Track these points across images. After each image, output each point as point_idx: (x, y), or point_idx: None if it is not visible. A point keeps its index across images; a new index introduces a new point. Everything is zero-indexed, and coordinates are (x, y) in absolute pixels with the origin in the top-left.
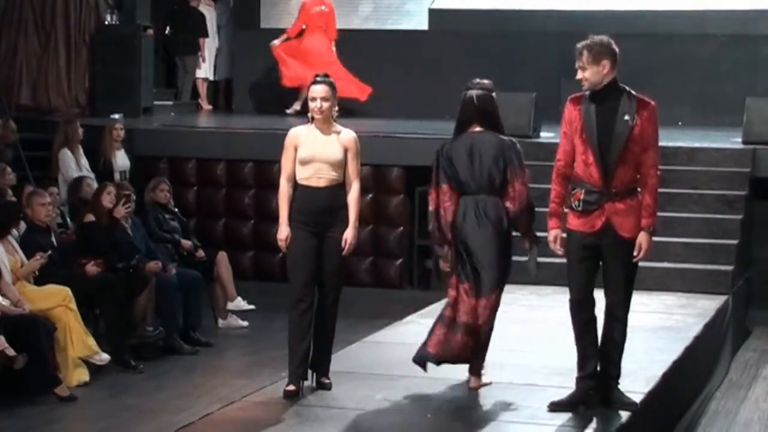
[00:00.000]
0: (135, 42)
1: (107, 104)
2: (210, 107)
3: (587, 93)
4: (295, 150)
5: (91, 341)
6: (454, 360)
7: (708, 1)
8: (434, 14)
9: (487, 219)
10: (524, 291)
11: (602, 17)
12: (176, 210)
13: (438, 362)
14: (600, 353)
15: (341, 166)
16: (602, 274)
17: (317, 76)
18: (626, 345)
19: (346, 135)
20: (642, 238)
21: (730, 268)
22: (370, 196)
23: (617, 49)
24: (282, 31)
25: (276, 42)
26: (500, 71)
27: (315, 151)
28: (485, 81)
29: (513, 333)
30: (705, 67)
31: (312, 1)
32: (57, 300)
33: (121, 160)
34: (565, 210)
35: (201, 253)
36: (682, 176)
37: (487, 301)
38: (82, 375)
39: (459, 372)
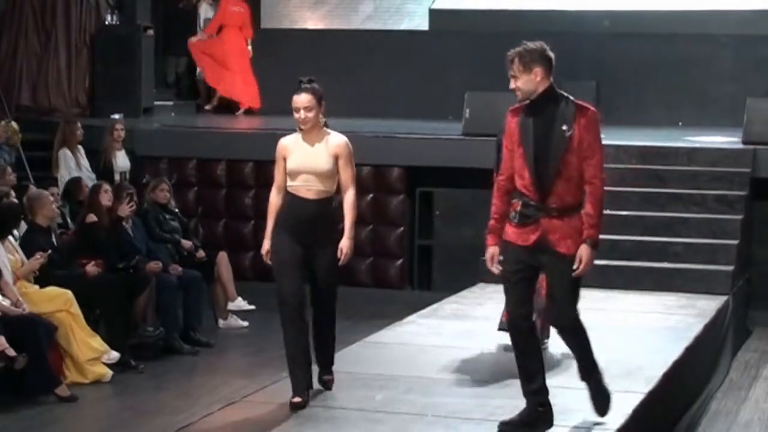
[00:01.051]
0: (135, 42)
1: (107, 104)
2: (210, 107)
3: (525, 104)
4: (285, 161)
5: (97, 342)
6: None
7: (708, 1)
8: (435, 14)
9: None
10: None
11: (602, 17)
12: (177, 210)
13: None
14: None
15: (331, 175)
16: (546, 291)
17: (300, 81)
18: (627, 345)
19: (336, 141)
20: (582, 251)
21: (730, 268)
22: (371, 196)
23: (552, 56)
24: (282, 31)
25: (193, 39)
26: (500, 71)
27: (302, 162)
28: None
29: None
30: (705, 67)
31: (230, 1)
32: (59, 304)
33: (121, 160)
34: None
35: (201, 253)
36: (683, 176)
37: None
38: (99, 371)
39: (459, 373)
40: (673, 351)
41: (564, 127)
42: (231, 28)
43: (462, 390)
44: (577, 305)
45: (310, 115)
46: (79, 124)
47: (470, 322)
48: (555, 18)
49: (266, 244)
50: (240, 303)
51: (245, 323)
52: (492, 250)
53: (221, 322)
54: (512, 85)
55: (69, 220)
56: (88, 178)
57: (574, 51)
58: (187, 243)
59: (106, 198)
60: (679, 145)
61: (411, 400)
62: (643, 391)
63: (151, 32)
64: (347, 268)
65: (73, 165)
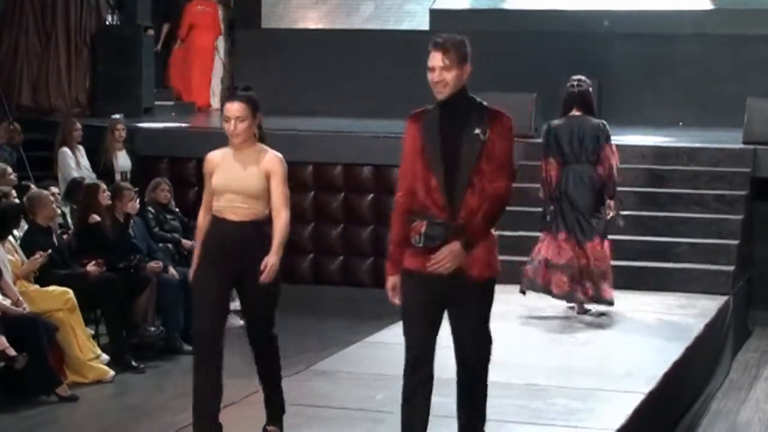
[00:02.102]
0: (135, 42)
1: (108, 104)
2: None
3: (430, 107)
4: (211, 178)
5: (92, 344)
6: (547, 291)
7: (708, 1)
8: (435, 14)
9: (583, 182)
10: None
11: (603, 17)
12: (177, 210)
13: (543, 291)
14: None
15: (261, 196)
16: (450, 326)
17: (236, 88)
18: (627, 345)
19: (269, 158)
20: (450, 246)
21: (730, 268)
22: (371, 196)
23: None
24: (282, 31)
25: (158, 47)
26: (501, 71)
27: (228, 179)
28: (582, 77)
29: (513, 332)
30: (705, 67)
31: (193, 3)
32: (59, 303)
33: (122, 160)
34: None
35: None
36: (683, 176)
37: (591, 244)
38: (99, 371)
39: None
40: (674, 351)
41: (477, 131)
42: (198, 28)
43: None
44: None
45: (242, 126)
46: (78, 124)
47: None
48: (555, 18)
49: (193, 267)
50: (240, 303)
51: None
52: (393, 280)
53: None
54: (436, 77)
55: (69, 220)
56: (88, 177)
57: (574, 51)
58: (187, 243)
59: (105, 198)
60: (679, 145)
61: None
62: (644, 391)
63: (151, 32)
64: (348, 268)
65: (72, 164)
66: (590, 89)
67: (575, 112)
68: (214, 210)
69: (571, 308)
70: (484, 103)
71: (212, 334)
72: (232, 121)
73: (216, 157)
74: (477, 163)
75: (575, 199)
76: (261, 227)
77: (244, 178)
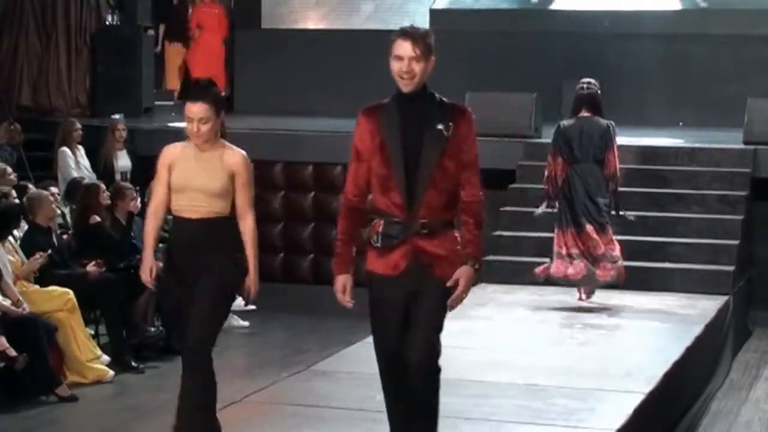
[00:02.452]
0: (136, 42)
1: (108, 104)
2: None
3: (387, 101)
4: (169, 171)
5: (92, 344)
6: (568, 282)
7: (708, 1)
8: (435, 14)
9: (588, 180)
10: (525, 291)
11: (603, 17)
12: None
13: (563, 283)
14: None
15: (224, 195)
16: (408, 327)
17: (197, 82)
18: (627, 345)
19: (233, 157)
20: (462, 272)
21: (731, 268)
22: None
23: None
24: (283, 31)
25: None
26: (501, 71)
27: (189, 176)
28: (591, 80)
29: (513, 333)
30: (706, 67)
31: (200, 5)
32: (59, 304)
33: (122, 160)
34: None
35: None
36: (683, 176)
37: (596, 232)
38: (99, 371)
39: (459, 373)
40: (674, 351)
41: (440, 127)
42: (206, 30)
43: (462, 389)
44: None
45: (205, 128)
46: (78, 124)
47: (470, 322)
48: (555, 18)
49: (146, 266)
50: (240, 303)
51: (245, 323)
52: (342, 279)
53: None
54: (404, 67)
55: (69, 220)
56: (88, 178)
57: (574, 51)
58: None
59: (105, 198)
60: (679, 145)
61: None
62: (644, 391)
63: (151, 32)
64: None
65: (72, 164)
66: (599, 91)
67: (584, 113)
68: (173, 209)
69: (581, 299)
70: (445, 99)
71: (201, 342)
72: (195, 123)
73: (175, 150)
74: (440, 160)
75: (581, 194)
76: (222, 224)
77: (206, 176)
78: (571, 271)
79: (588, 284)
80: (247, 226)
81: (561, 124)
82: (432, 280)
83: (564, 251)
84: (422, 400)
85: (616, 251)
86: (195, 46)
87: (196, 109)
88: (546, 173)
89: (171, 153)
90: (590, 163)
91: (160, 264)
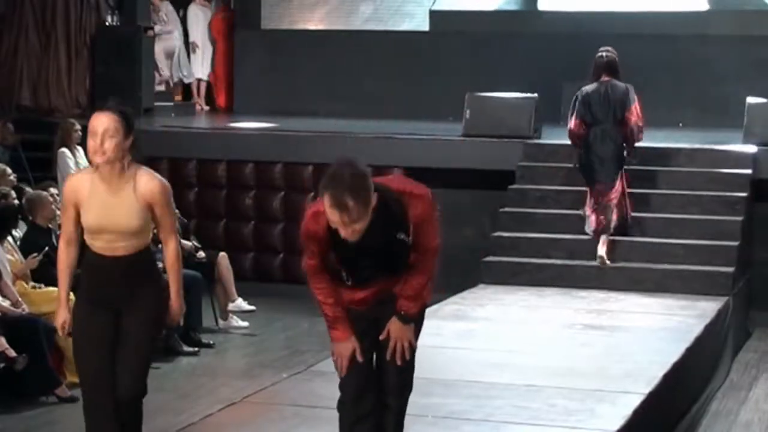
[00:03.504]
0: (135, 42)
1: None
2: (207, 108)
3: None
4: (76, 209)
5: None
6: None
7: (708, 2)
8: (435, 15)
9: (610, 139)
10: (524, 291)
11: (603, 18)
12: (177, 211)
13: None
14: None
15: (143, 230)
16: (377, 356)
17: (108, 101)
18: (627, 346)
19: (148, 184)
20: (393, 326)
21: (730, 269)
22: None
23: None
24: (282, 31)
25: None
26: (501, 72)
27: (102, 218)
28: (609, 48)
29: (513, 333)
30: (705, 68)
31: (216, 13)
32: None
33: None
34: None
35: (201, 254)
36: (683, 177)
37: (614, 188)
38: None
39: (458, 373)
40: (674, 352)
41: (402, 236)
42: (221, 36)
43: (462, 390)
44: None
45: (109, 145)
46: (77, 125)
47: (470, 322)
48: (555, 19)
49: (61, 314)
50: (240, 303)
51: (245, 324)
52: (352, 343)
53: (221, 323)
54: (345, 232)
55: None
56: None
57: (574, 51)
58: (187, 243)
59: None
60: (679, 146)
61: (411, 401)
62: (644, 392)
63: (151, 32)
64: None
65: (71, 165)
66: (616, 58)
67: (605, 78)
68: (91, 247)
69: (603, 261)
70: (394, 195)
71: (101, 377)
72: (98, 137)
73: (82, 185)
74: (404, 260)
75: (602, 154)
76: (142, 259)
77: (122, 214)
78: (601, 218)
79: (605, 233)
80: (169, 251)
81: (582, 89)
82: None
83: (591, 205)
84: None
85: (623, 203)
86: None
87: (102, 121)
88: (569, 134)
89: (77, 188)
90: (611, 124)
91: (160, 265)
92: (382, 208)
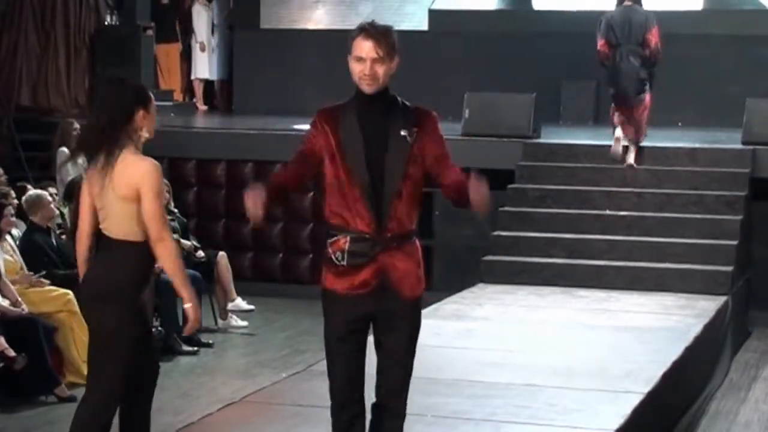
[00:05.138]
0: (135, 42)
1: None
2: (205, 107)
3: (346, 102)
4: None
5: None
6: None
7: (708, 1)
8: (434, 15)
9: (633, 58)
10: (524, 291)
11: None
12: (176, 210)
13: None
14: None
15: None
16: (378, 353)
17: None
18: (626, 346)
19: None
20: (475, 184)
21: (730, 268)
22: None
23: None
24: (282, 31)
25: None
26: (500, 72)
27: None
28: None
29: (513, 333)
30: (705, 67)
31: None
32: (58, 304)
33: None
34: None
35: (200, 253)
36: (682, 177)
37: (636, 103)
38: None
39: (459, 373)
40: (673, 351)
41: (404, 133)
42: None
43: (462, 390)
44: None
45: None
46: (76, 124)
47: (470, 322)
48: (555, 18)
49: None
50: (240, 303)
51: (245, 323)
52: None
53: (221, 323)
54: (368, 70)
55: (68, 221)
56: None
57: (574, 51)
58: (186, 243)
59: None
60: (679, 145)
61: (411, 401)
62: (643, 391)
63: (150, 32)
64: None
65: (70, 165)
66: None
67: (627, 2)
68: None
69: (617, 140)
70: (408, 103)
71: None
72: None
73: None
74: (405, 169)
75: (626, 72)
76: None
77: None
78: (629, 129)
79: (621, 132)
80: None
81: (606, 13)
82: (399, 301)
83: (617, 120)
84: (398, 415)
85: (641, 118)
86: None
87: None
88: (597, 54)
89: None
90: (633, 44)
91: (159, 265)
92: (393, 98)
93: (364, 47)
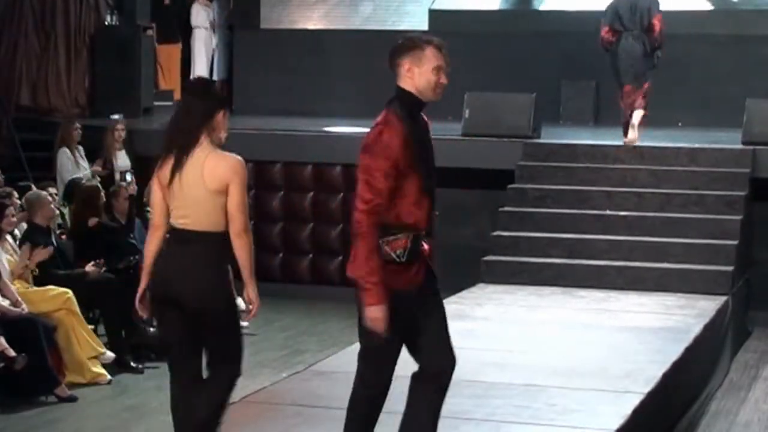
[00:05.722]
0: (135, 42)
1: (107, 104)
2: None
3: (394, 110)
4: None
5: (96, 341)
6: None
7: (708, 1)
8: (434, 15)
9: (638, 44)
10: (524, 291)
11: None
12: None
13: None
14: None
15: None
16: (417, 338)
17: None
18: (627, 346)
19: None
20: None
21: (730, 268)
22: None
23: None
24: (282, 31)
25: None
26: (500, 72)
27: None
28: None
29: (513, 333)
30: (705, 67)
31: None
32: (58, 303)
33: (121, 160)
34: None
35: None
36: (682, 177)
37: (641, 88)
38: (97, 371)
39: (459, 373)
40: (673, 351)
41: (430, 134)
42: None
43: (462, 390)
44: None
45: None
46: (77, 124)
47: (470, 322)
48: (555, 18)
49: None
50: (240, 303)
51: (245, 323)
52: (382, 309)
53: None
54: (444, 79)
55: (69, 220)
56: (87, 178)
57: (574, 51)
58: None
59: (103, 198)
60: (679, 145)
61: None
62: (643, 391)
63: (150, 32)
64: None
65: (70, 165)
66: None
67: None
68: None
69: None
70: None
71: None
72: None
73: None
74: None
75: (630, 58)
76: None
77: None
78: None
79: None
80: None
81: (614, 1)
82: (434, 285)
83: (624, 101)
84: (432, 408)
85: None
86: None
87: None
88: (600, 40)
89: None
90: (638, 30)
91: None
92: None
93: (443, 58)
